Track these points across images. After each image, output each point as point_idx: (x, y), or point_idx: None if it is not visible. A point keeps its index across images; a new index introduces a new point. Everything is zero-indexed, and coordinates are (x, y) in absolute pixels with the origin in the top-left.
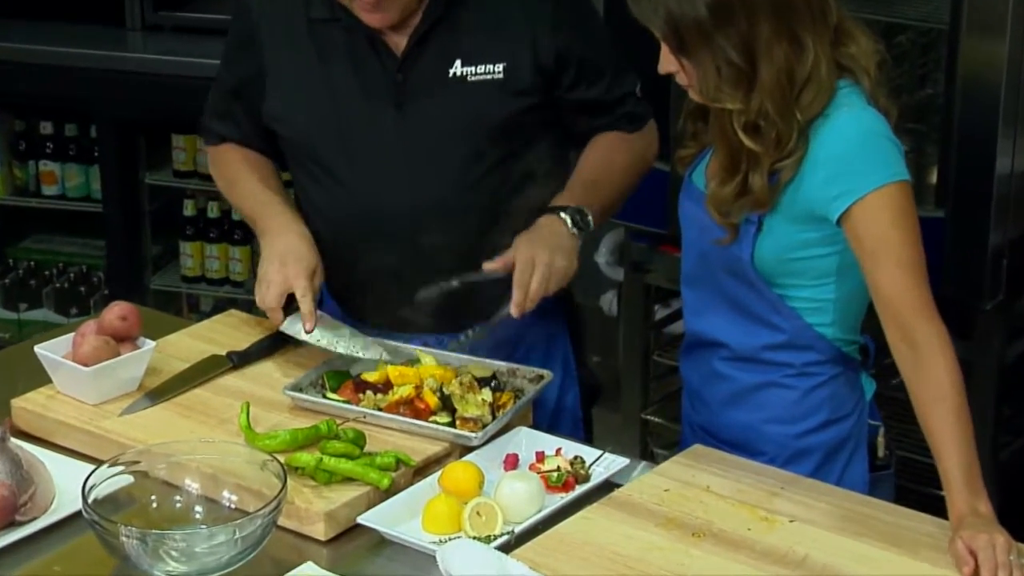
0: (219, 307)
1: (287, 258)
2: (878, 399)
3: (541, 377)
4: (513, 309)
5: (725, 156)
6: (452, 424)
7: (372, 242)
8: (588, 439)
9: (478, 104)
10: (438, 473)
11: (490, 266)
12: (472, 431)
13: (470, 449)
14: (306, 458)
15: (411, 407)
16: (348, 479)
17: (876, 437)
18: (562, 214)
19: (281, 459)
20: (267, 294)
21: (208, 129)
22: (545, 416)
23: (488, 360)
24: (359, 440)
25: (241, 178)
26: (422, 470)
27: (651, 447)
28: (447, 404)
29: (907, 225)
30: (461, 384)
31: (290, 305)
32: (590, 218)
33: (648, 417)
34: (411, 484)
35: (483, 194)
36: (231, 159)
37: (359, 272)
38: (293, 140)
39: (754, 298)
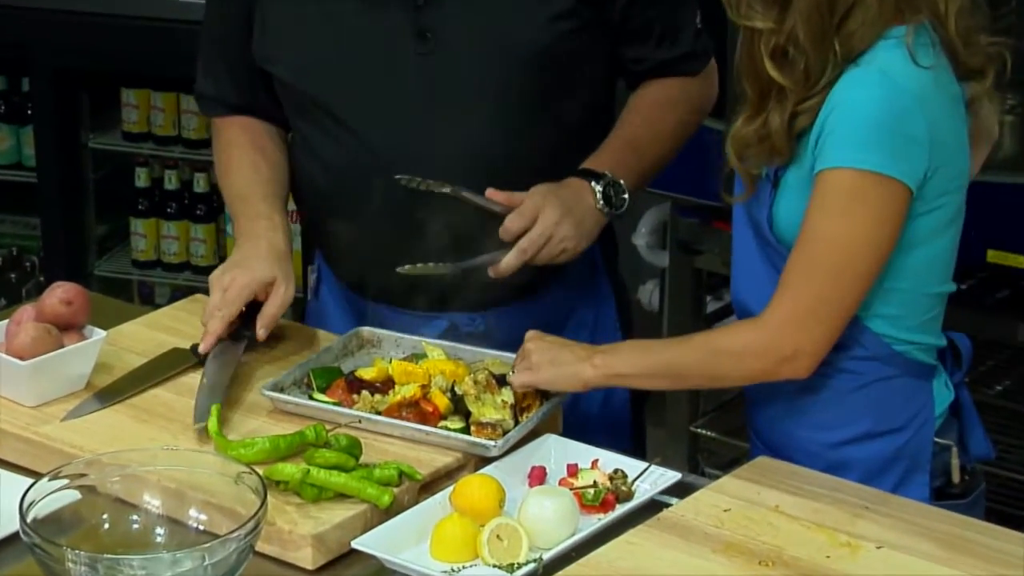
0: (177, 298)
1: (235, 268)
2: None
3: None
4: (505, 261)
5: (753, 90)
6: (466, 430)
7: (386, 202)
8: (638, 449)
9: (513, 30)
10: (449, 489)
11: (494, 193)
12: (490, 438)
13: (488, 460)
14: (290, 470)
15: (416, 410)
16: (340, 496)
17: (949, 459)
18: (594, 184)
19: (260, 471)
20: (207, 305)
21: (202, 97)
22: (583, 420)
23: (509, 354)
24: (354, 449)
25: (232, 167)
26: (430, 485)
27: (702, 467)
28: (460, 407)
29: (849, 223)
30: (476, 382)
31: (246, 322)
32: (626, 196)
33: (698, 430)
34: (417, 502)
35: (521, 141)
36: (226, 140)
37: (366, 237)
38: (291, 82)
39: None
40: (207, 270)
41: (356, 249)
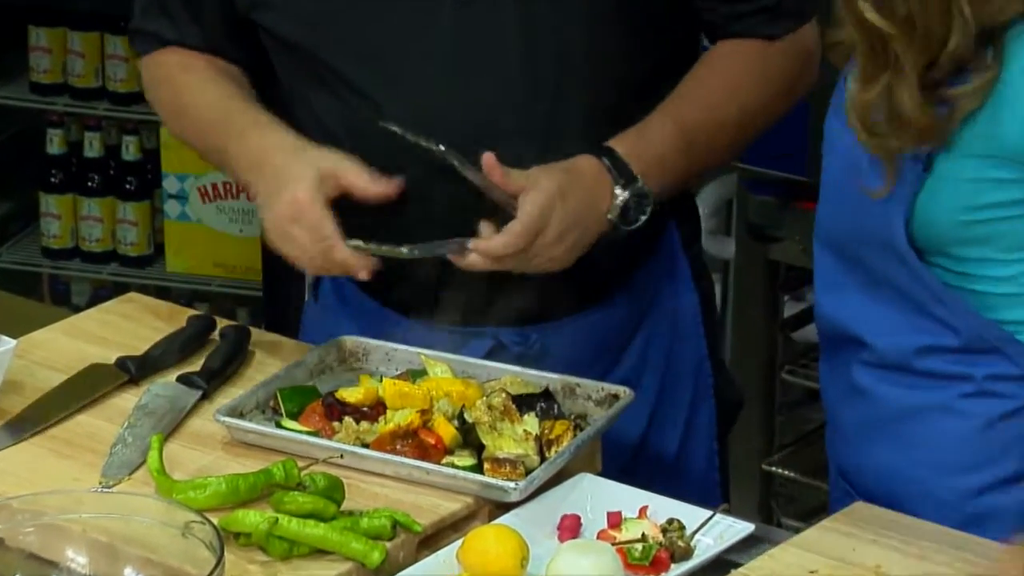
0: (100, 297)
1: (296, 178)
2: None
3: (615, 397)
4: (472, 258)
5: (863, 43)
6: (478, 469)
7: (410, 182)
8: (720, 490)
9: None
10: (457, 544)
11: (492, 166)
12: (509, 479)
13: (506, 507)
14: (253, 519)
15: (414, 442)
16: (318, 552)
17: None
18: (618, 190)
19: (214, 520)
20: (311, 251)
21: (140, 33)
22: (630, 457)
23: (532, 371)
24: (334, 492)
25: (191, 91)
26: (432, 539)
27: (778, 516)
28: (470, 438)
29: None
30: (491, 407)
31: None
32: (645, 215)
33: (773, 469)
34: (416, 560)
35: (571, 109)
36: (166, 74)
37: (380, 223)
38: (288, 36)
39: (908, 276)
40: (139, 262)
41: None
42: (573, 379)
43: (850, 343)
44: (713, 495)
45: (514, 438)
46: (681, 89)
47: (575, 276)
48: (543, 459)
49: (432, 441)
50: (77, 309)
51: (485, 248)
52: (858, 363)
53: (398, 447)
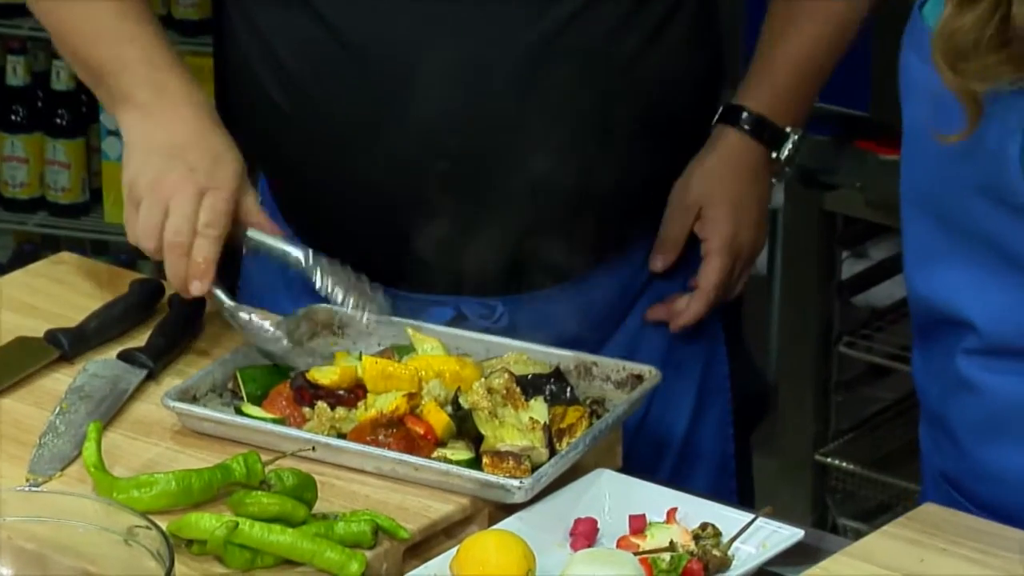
0: (25, 253)
1: (196, 152)
2: None
3: (639, 378)
4: (678, 322)
5: None
6: (476, 464)
7: (382, 129)
8: (744, 492)
9: None
10: (451, 552)
11: (663, 262)
12: (512, 476)
13: (509, 509)
14: (208, 523)
15: (400, 432)
16: (285, 562)
17: None
18: (774, 155)
19: (162, 525)
20: (156, 224)
21: None
22: (655, 448)
23: (540, 347)
24: (305, 491)
25: (85, 17)
26: (421, 546)
27: (833, 516)
28: (466, 427)
29: None
30: (491, 391)
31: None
32: (800, 148)
33: (828, 461)
34: (402, 572)
35: (577, 45)
36: None
37: (339, 171)
38: None
39: None
40: (72, 211)
41: (323, 186)
42: (589, 357)
43: (951, 327)
44: (730, 495)
45: (518, 427)
46: (771, 38)
47: (553, 241)
48: (552, 452)
49: (421, 431)
50: None
51: (682, 323)
52: (962, 351)
53: (380, 438)
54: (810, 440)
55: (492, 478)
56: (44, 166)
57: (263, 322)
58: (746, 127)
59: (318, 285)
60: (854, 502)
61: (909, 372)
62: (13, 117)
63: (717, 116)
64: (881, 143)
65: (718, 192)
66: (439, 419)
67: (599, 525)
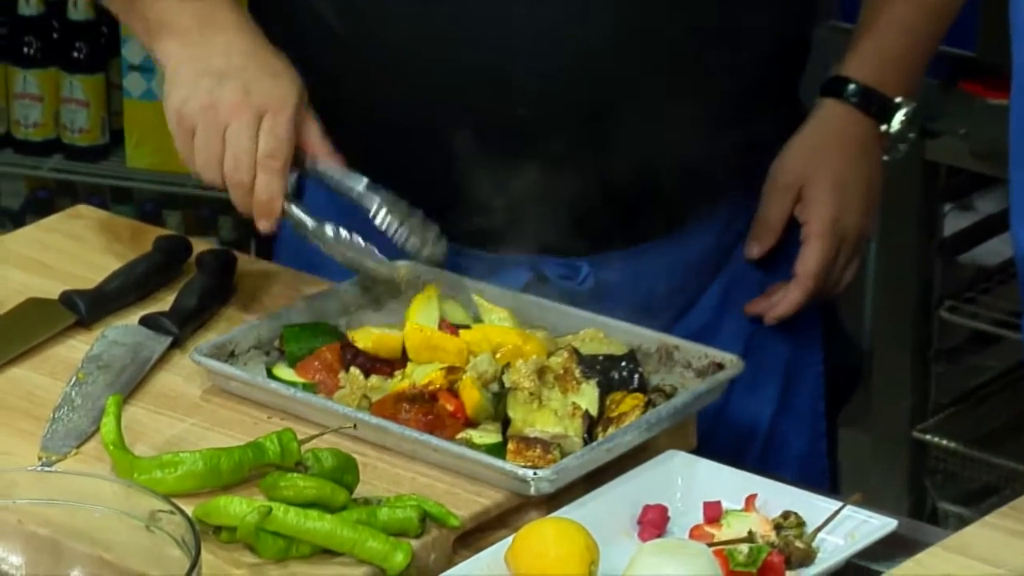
0: (39, 201)
1: (251, 71)
2: None
3: (719, 367)
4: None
5: None
6: (500, 449)
7: (460, 71)
8: (832, 474)
9: None
10: (506, 542)
11: (759, 249)
12: (532, 466)
13: (565, 497)
14: (239, 508)
15: (424, 409)
16: (323, 552)
17: None
18: (883, 128)
19: (188, 509)
20: (216, 155)
21: None
22: (735, 430)
23: (626, 324)
24: (344, 473)
25: None
26: (473, 536)
27: (933, 500)
28: (500, 408)
29: None
30: (543, 370)
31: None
32: (914, 124)
33: (927, 438)
34: (451, 564)
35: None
36: None
37: (410, 124)
38: None
39: None
40: (90, 155)
41: (386, 132)
42: (672, 339)
43: None
44: (816, 480)
45: (557, 412)
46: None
47: (643, 199)
48: (590, 439)
49: (451, 408)
50: (8, 215)
51: (778, 314)
52: None
53: (403, 413)
54: (907, 415)
55: (507, 466)
56: (60, 104)
57: (354, 235)
58: (852, 99)
59: (378, 219)
60: (955, 484)
61: (1018, 339)
62: (26, 50)
63: (820, 89)
64: (988, 86)
65: (820, 170)
66: (471, 397)
67: (670, 513)
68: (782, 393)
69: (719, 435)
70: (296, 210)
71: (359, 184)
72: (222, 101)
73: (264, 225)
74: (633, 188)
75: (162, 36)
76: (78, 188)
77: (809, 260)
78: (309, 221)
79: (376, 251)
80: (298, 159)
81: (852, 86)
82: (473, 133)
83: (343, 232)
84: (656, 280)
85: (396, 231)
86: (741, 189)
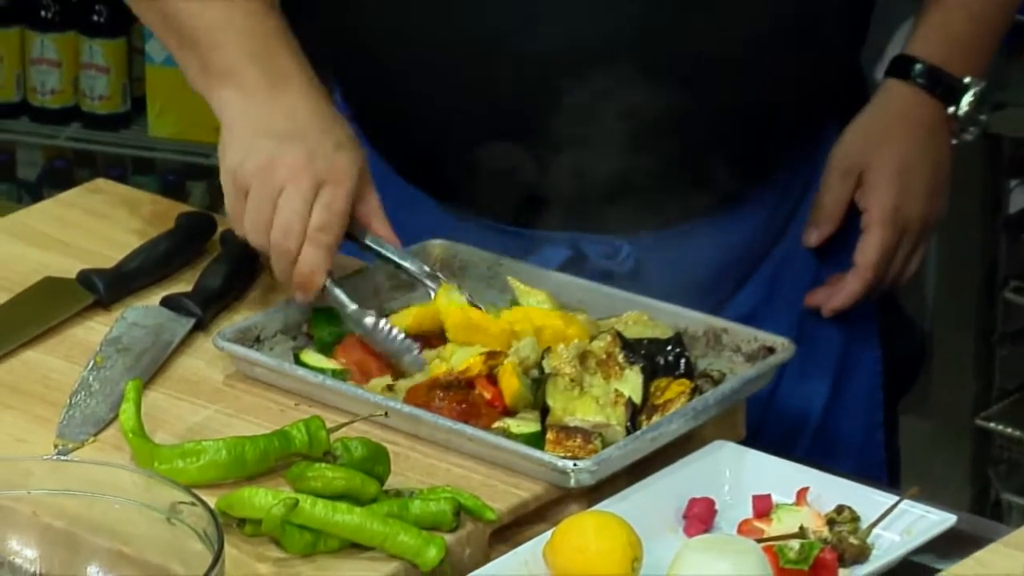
0: (56, 172)
1: (316, 136)
2: None
3: (769, 351)
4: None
5: None
6: (538, 438)
7: (501, 34)
8: (891, 464)
9: None
10: (545, 537)
11: (818, 236)
12: (572, 456)
13: (606, 489)
14: (264, 500)
15: (459, 396)
16: (352, 546)
17: None
18: (951, 109)
19: (211, 501)
20: (266, 219)
21: None
22: (786, 420)
23: (669, 306)
24: (375, 464)
25: None
26: (510, 530)
27: (995, 490)
28: (539, 396)
29: None
30: (585, 354)
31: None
32: (983, 106)
33: (991, 426)
34: (487, 559)
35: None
36: None
37: (446, 90)
38: None
39: None
40: (111, 123)
41: (419, 99)
42: (720, 322)
43: None
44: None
45: (599, 400)
46: None
47: (689, 175)
48: (633, 428)
49: (488, 396)
50: (24, 186)
51: (834, 306)
52: None
53: (436, 401)
54: (969, 402)
55: (546, 457)
56: (79, 70)
57: (394, 328)
58: (918, 80)
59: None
60: (1020, 474)
61: None
62: (43, 13)
63: (885, 69)
64: None
65: (882, 155)
66: (510, 384)
67: (717, 506)
68: (836, 381)
69: (769, 425)
70: (338, 291)
71: (417, 267)
72: (282, 163)
73: (300, 298)
74: (679, 163)
75: (224, 85)
76: (97, 158)
77: (869, 250)
78: (349, 305)
79: (415, 348)
80: (351, 230)
81: (918, 66)
82: (512, 103)
83: (383, 323)
84: (700, 262)
85: None
86: (794, 165)
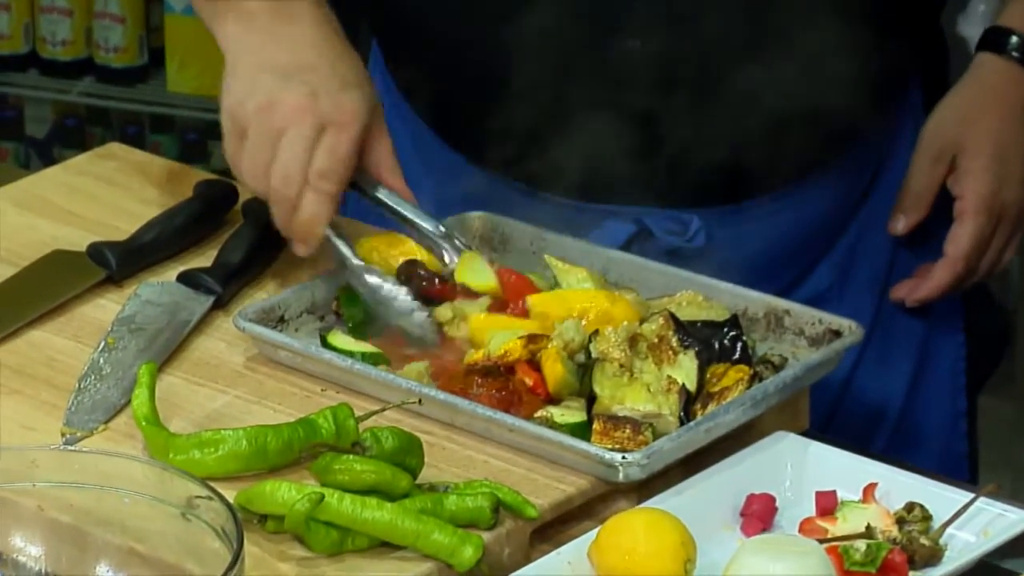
0: (67, 130)
1: (321, 74)
2: None
3: (835, 334)
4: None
5: None
6: (584, 429)
7: (554, 19)
8: (969, 466)
9: None
10: (590, 536)
11: (905, 224)
12: (622, 448)
13: (657, 485)
14: (287, 495)
15: (499, 383)
16: (383, 545)
17: None
18: None
19: (230, 496)
20: (265, 163)
21: None
22: (867, 416)
23: (725, 285)
24: (407, 456)
25: None
26: (553, 527)
27: None
28: (585, 383)
29: None
30: (636, 337)
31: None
32: None
33: None
34: (528, 560)
35: None
36: None
37: (499, 54)
38: None
39: None
40: (127, 77)
41: (468, 58)
42: (782, 303)
43: None
44: (956, 475)
45: (650, 387)
46: None
47: (763, 148)
48: (687, 419)
49: (530, 383)
50: (33, 145)
51: (920, 297)
52: None
53: (474, 388)
54: None
55: (592, 449)
56: (92, 20)
57: (402, 289)
58: (1013, 53)
59: (449, 266)
60: None
61: None
62: None
63: (977, 42)
64: None
65: (977, 136)
66: (553, 370)
67: (777, 503)
68: (917, 368)
69: (842, 416)
70: (340, 244)
71: (432, 225)
72: (283, 103)
73: (300, 250)
74: (751, 131)
75: (227, 17)
76: (112, 115)
77: (961, 239)
78: (352, 259)
79: (425, 312)
80: (360, 180)
81: (1014, 38)
82: (576, 73)
83: (389, 283)
84: (773, 238)
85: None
86: (872, 134)
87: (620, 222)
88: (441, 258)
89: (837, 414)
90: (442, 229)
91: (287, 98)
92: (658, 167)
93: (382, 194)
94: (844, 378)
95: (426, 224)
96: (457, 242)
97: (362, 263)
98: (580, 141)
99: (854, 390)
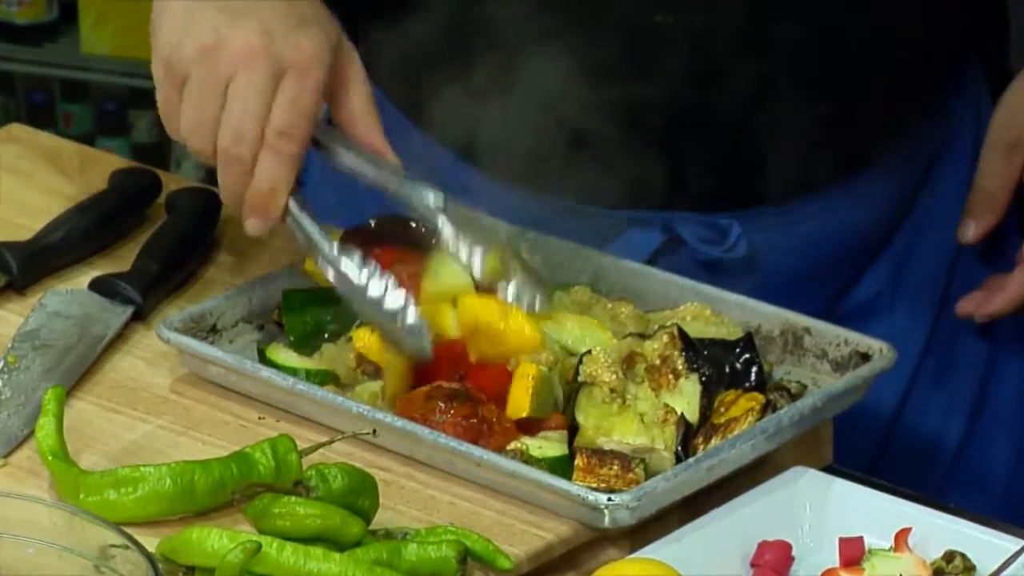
0: None
1: (273, 10)
2: None
3: (864, 357)
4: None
5: None
6: (565, 464)
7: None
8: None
9: None
10: None
11: (976, 230)
12: (606, 487)
13: (654, 530)
14: (218, 542)
15: (466, 408)
16: None
17: None
18: None
19: (150, 544)
20: (211, 116)
21: None
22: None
23: (735, 298)
24: (359, 496)
25: None
26: None
27: None
28: (567, 410)
29: None
30: (633, 358)
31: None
32: None
33: None
34: None
35: None
36: None
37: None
38: None
39: None
40: (34, 35)
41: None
42: (802, 319)
43: None
44: (1020, 520)
45: (643, 417)
46: None
47: (802, 144)
48: (685, 455)
49: (494, 416)
50: None
51: (988, 312)
52: None
53: (437, 414)
54: None
55: (574, 488)
56: None
57: (384, 280)
58: None
59: (449, 242)
60: None
61: None
62: None
63: None
64: None
65: None
66: (522, 400)
67: (794, 551)
68: (979, 394)
69: (893, 450)
70: (306, 218)
71: (418, 195)
72: (230, 43)
73: (254, 226)
74: (794, 122)
75: None
76: (16, 80)
77: None
78: (323, 242)
79: (411, 303)
80: (324, 138)
81: None
82: (606, 59)
83: (367, 270)
84: (818, 243)
85: (477, 267)
86: (927, 118)
87: (646, 230)
88: (437, 238)
89: (887, 448)
90: (431, 198)
91: (234, 37)
92: (691, 165)
93: (354, 154)
94: (897, 403)
95: (412, 193)
96: (460, 211)
97: (335, 244)
98: (600, 140)
99: (906, 421)
